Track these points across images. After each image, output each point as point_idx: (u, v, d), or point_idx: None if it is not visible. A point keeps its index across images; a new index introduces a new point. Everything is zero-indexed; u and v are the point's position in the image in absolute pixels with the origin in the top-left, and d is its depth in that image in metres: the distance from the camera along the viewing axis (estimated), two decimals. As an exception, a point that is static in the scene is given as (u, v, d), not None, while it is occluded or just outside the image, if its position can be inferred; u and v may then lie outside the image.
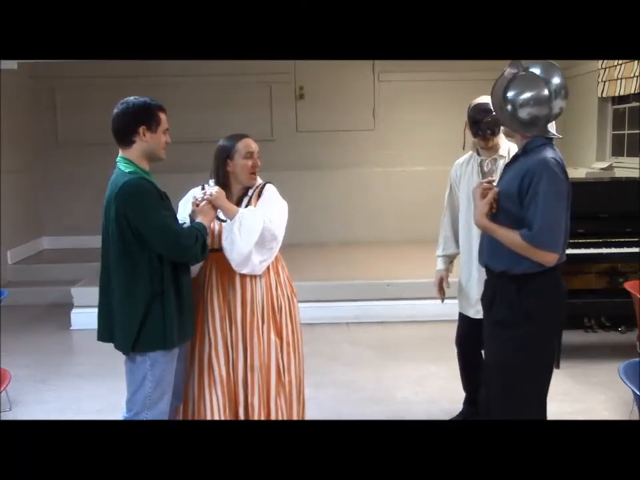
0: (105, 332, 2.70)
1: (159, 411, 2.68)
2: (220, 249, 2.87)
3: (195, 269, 2.94)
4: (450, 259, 3.63)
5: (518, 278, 2.46)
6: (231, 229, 2.82)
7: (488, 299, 2.62)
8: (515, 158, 2.58)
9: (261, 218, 2.84)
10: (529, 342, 2.47)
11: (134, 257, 2.59)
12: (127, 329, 2.61)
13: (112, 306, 2.66)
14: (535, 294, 2.46)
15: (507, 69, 2.48)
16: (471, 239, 3.39)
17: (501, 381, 2.54)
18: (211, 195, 2.81)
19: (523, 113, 2.44)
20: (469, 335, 3.50)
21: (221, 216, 2.90)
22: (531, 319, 2.45)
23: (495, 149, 3.37)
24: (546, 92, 2.41)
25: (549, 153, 2.44)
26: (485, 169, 3.39)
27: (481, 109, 3.30)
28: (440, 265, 3.62)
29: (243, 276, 2.92)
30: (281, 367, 2.97)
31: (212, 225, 2.92)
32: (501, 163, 3.27)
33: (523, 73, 2.44)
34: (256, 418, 2.90)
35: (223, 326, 2.92)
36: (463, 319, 3.57)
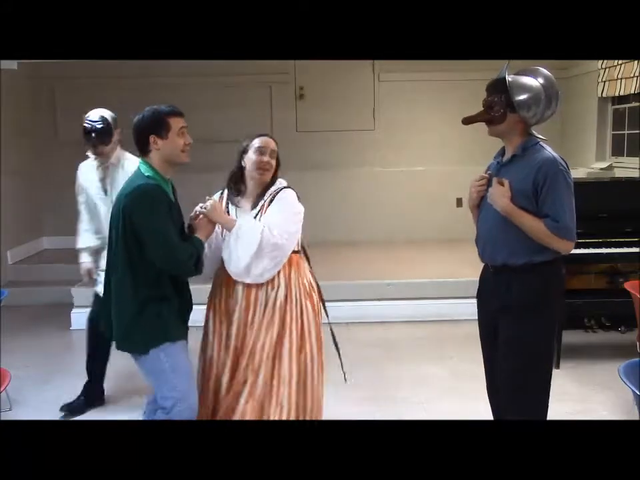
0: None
1: (188, 403, 2.69)
2: None
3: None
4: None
5: (538, 266, 2.62)
6: (228, 241, 2.82)
7: (499, 291, 2.70)
8: (513, 157, 2.65)
9: (259, 229, 2.81)
10: (550, 321, 2.70)
11: (133, 258, 2.63)
12: (118, 327, 2.68)
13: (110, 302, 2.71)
14: (553, 279, 2.68)
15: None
16: None
17: (521, 358, 2.65)
18: (205, 208, 2.80)
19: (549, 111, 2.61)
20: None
21: None
22: (550, 301, 2.68)
23: (105, 156, 3.71)
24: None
25: (551, 152, 2.60)
26: (100, 175, 3.75)
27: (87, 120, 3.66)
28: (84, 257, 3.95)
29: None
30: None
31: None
32: (111, 169, 3.71)
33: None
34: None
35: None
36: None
